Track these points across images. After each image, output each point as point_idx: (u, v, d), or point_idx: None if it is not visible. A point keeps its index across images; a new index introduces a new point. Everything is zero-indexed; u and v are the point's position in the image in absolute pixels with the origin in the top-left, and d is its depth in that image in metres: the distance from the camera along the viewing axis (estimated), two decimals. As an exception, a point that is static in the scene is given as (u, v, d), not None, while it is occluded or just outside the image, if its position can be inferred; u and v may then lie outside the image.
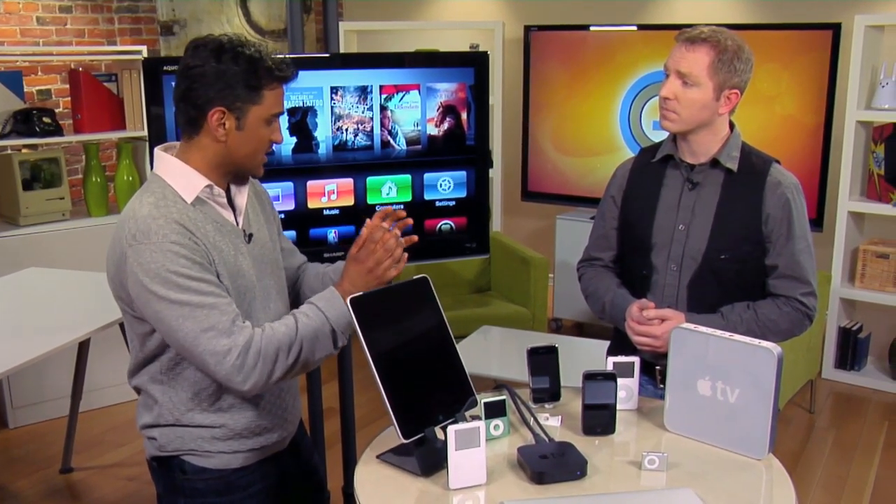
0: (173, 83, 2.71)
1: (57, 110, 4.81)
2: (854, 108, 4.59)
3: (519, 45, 5.80)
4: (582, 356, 3.72)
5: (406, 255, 1.92)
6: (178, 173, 1.81)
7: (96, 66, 5.04)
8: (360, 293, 1.73)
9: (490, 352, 4.09)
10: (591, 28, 5.47)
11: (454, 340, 1.85)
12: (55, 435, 4.08)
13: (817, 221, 4.84)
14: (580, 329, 5.54)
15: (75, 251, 4.28)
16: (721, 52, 2.03)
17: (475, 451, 1.65)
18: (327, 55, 3.16)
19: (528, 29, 5.62)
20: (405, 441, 1.68)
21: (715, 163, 2.14)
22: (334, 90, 2.97)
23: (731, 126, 2.19)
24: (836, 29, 4.66)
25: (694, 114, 2.08)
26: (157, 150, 1.87)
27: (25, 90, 4.82)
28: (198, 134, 1.81)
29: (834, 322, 4.78)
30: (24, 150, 4.39)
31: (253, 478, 1.96)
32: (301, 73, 2.94)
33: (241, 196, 1.92)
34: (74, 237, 4.32)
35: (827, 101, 4.73)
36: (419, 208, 3.09)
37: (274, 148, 2.93)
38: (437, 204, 3.16)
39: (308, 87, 2.94)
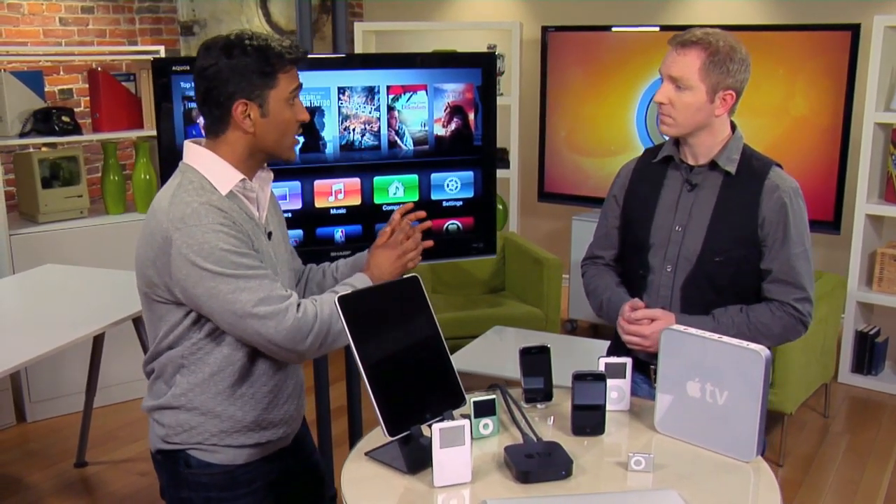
0: (182, 84, 2.78)
1: (78, 109, 4.87)
2: (873, 110, 4.54)
3: (537, 46, 5.79)
4: (590, 357, 3.71)
5: (429, 243, 2.17)
6: (212, 165, 1.86)
7: (117, 65, 5.11)
8: (349, 292, 1.75)
9: (500, 352, 4.10)
10: (614, 29, 5.45)
11: (445, 340, 1.85)
12: (71, 429, 4.14)
13: (835, 224, 4.79)
14: (595, 330, 5.53)
15: (93, 248, 4.34)
16: (712, 53, 2.03)
17: (460, 450, 1.66)
18: (335, 55, 3.18)
19: (545, 29, 5.62)
20: (390, 438, 1.69)
21: (714, 165, 2.13)
22: (342, 90, 2.99)
23: (734, 128, 2.17)
24: (855, 30, 4.62)
25: (689, 117, 2.08)
26: (187, 142, 1.92)
27: (48, 90, 4.90)
28: (225, 132, 1.86)
29: (851, 326, 4.73)
30: (43, 149, 4.46)
31: (256, 474, 2.00)
32: (309, 73, 2.97)
33: (264, 192, 1.96)
34: (92, 235, 4.38)
35: (845, 103, 4.69)
36: (426, 208, 3.06)
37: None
38: (444, 204, 3.17)
39: (316, 88, 2.96)
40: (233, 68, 1.80)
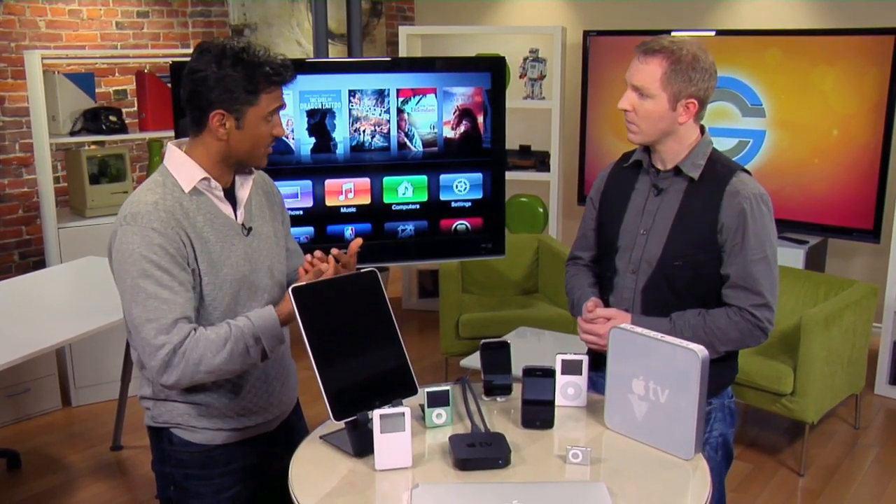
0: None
1: (131, 109, 5.11)
2: (914, 116, 4.44)
3: (579, 50, 5.82)
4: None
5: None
6: (180, 164, 1.97)
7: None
8: (303, 283, 1.83)
9: (516, 353, 4.13)
10: (673, 34, 5.42)
11: (399, 333, 1.93)
12: (110, 414, 4.33)
13: (874, 232, 4.69)
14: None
15: (135, 242, 4.53)
16: (674, 62, 2.05)
17: (400, 436, 1.74)
18: (343, 59, 3.29)
19: (587, 34, 5.64)
20: (335, 422, 1.78)
21: (678, 170, 2.15)
22: (352, 93, 3.10)
23: (703, 132, 2.19)
24: (898, 34, 4.53)
25: (652, 125, 2.10)
26: (169, 143, 2.03)
27: (104, 90, 5.15)
28: (202, 132, 1.95)
29: (888, 336, 4.63)
30: (92, 147, 4.69)
31: (233, 456, 2.10)
32: (320, 76, 3.10)
33: (244, 190, 2.05)
34: (135, 229, 4.57)
35: (887, 108, 4.59)
36: (435, 208, 3.19)
37: (293, 147, 3.12)
38: (453, 205, 3.25)
39: (327, 91, 3.08)
40: (219, 79, 1.86)
